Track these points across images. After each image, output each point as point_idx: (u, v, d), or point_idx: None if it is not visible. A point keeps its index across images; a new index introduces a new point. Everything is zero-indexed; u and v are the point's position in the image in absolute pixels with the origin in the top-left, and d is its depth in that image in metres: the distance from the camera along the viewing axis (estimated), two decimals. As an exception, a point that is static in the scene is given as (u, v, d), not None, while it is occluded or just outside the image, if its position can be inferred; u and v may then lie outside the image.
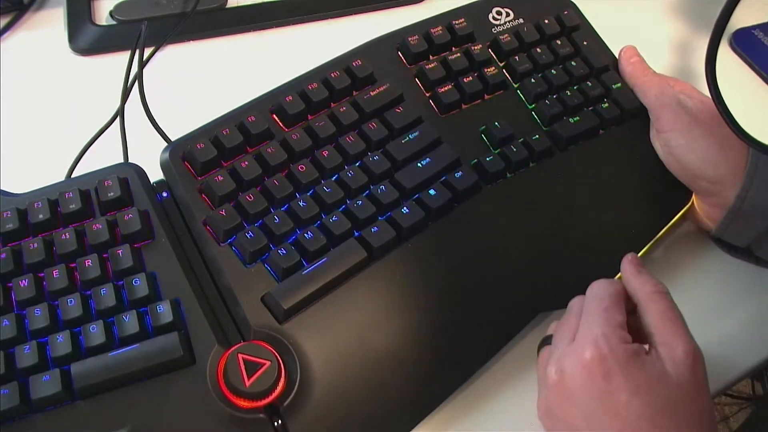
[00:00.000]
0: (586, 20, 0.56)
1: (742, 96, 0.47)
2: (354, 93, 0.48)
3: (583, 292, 0.42)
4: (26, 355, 0.37)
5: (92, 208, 0.43)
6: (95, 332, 0.38)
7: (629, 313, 0.40)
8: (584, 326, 0.39)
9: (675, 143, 0.48)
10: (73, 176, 0.50)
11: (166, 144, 0.46)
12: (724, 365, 0.46)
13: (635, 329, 0.39)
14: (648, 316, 0.39)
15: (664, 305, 0.39)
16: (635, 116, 0.52)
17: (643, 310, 0.39)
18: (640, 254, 0.47)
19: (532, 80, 0.51)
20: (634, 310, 0.40)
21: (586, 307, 0.40)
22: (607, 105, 0.51)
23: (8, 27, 0.60)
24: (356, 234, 0.44)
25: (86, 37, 0.60)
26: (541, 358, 0.41)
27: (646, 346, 0.38)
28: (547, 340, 0.42)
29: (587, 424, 0.36)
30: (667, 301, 0.39)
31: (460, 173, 0.46)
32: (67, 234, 0.41)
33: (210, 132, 0.45)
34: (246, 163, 0.44)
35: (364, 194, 0.45)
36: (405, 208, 0.44)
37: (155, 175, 0.45)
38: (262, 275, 0.42)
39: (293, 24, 0.63)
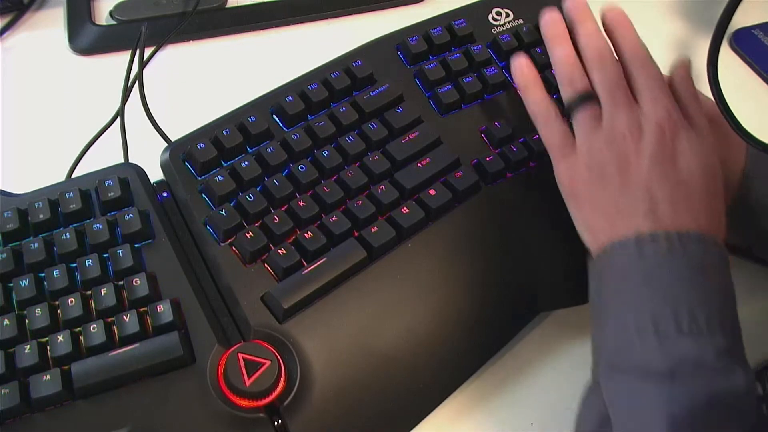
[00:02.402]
0: (586, 20, 0.55)
1: (742, 96, 0.47)
2: (354, 93, 0.48)
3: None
4: (26, 354, 0.37)
5: (92, 208, 0.43)
6: (95, 332, 0.38)
7: None
8: (651, 89, 0.42)
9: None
10: (73, 176, 0.50)
11: (166, 144, 0.46)
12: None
13: None
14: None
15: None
16: (635, 116, 0.52)
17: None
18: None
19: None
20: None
21: (637, 58, 0.44)
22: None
23: (8, 27, 0.61)
24: (356, 234, 0.44)
25: (86, 37, 0.60)
26: (582, 115, 0.43)
27: None
28: (577, 101, 0.43)
29: (648, 172, 0.40)
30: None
31: (460, 173, 0.46)
32: (67, 234, 0.41)
33: (210, 132, 0.45)
34: (246, 163, 0.44)
35: (364, 194, 0.45)
36: (405, 208, 0.44)
37: (155, 175, 0.45)
38: (262, 275, 0.42)
39: (293, 24, 0.63)
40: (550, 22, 0.48)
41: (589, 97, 0.43)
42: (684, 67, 0.45)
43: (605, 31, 0.47)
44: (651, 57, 0.45)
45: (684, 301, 0.37)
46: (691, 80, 0.44)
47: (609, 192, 0.40)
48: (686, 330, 0.36)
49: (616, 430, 0.36)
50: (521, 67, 0.47)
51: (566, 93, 0.45)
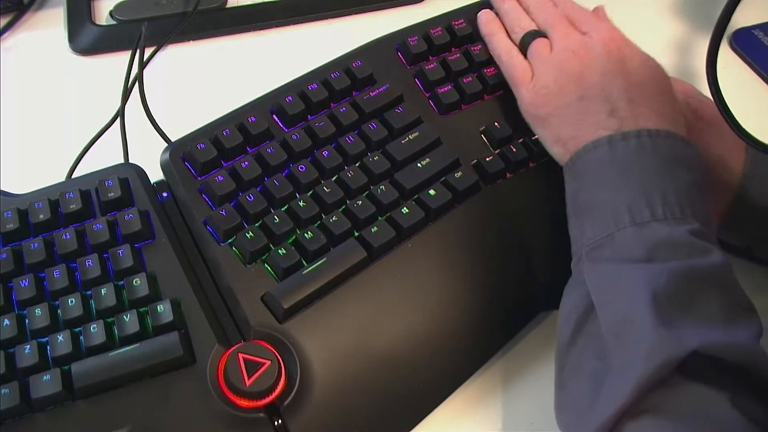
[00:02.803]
0: (586, 20, 0.56)
1: (742, 96, 0.47)
2: (354, 93, 0.48)
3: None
4: (26, 354, 0.37)
5: (93, 209, 0.43)
6: (95, 332, 0.38)
7: None
8: (588, 18, 0.48)
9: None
10: (73, 176, 0.50)
11: (166, 144, 0.46)
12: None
13: None
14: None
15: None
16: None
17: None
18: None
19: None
20: None
21: (572, 6, 0.50)
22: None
23: (8, 27, 0.61)
24: (356, 234, 0.44)
25: (86, 37, 0.60)
26: (536, 45, 0.47)
27: None
28: (528, 36, 0.48)
29: (600, 79, 0.43)
30: None
31: (459, 173, 0.46)
32: (67, 234, 0.41)
33: (210, 132, 0.45)
34: (246, 163, 0.44)
35: (364, 194, 0.45)
36: (405, 208, 0.44)
37: (156, 175, 0.45)
38: (262, 275, 0.42)
39: (293, 24, 0.63)
40: None
41: (537, 32, 0.49)
42: (599, 8, 0.50)
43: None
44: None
45: (657, 190, 0.39)
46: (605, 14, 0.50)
47: (570, 102, 0.44)
48: (660, 216, 0.38)
49: (600, 314, 0.37)
50: (486, 17, 0.52)
51: (517, 34, 0.50)
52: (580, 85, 0.44)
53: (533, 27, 0.49)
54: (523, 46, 0.49)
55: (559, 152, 0.44)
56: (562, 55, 0.45)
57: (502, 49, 0.50)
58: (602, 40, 0.45)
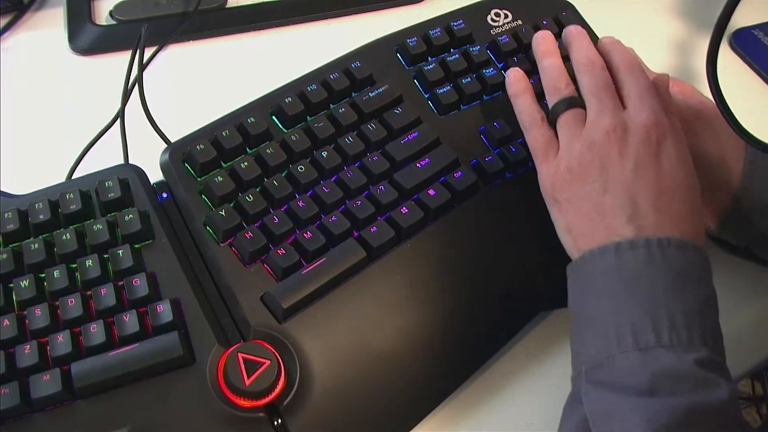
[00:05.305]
0: (585, 21, 0.56)
1: (742, 96, 0.47)
2: (353, 94, 0.48)
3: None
4: (26, 354, 0.37)
5: (93, 209, 0.43)
6: (95, 332, 0.38)
7: None
8: (637, 91, 0.42)
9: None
10: (73, 177, 0.50)
11: (166, 145, 0.46)
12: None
13: None
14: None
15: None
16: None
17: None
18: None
19: (531, 81, 0.51)
20: None
21: (627, 67, 0.43)
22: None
23: (8, 27, 0.61)
24: (355, 234, 0.44)
25: (86, 37, 0.60)
26: (566, 117, 0.43)
27: None
28: (561, 105, 0.43)
29: (632, 176, 0.39)
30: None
31: (459, 173, 0.46)
32: (67, 234, 0.41)
33: (210, 133, 0.45)
34: (245, 163, 0.44)
35: (364, 194, 0.45)
36: (404, 208, 0.44)
37: (155, 176, 0.46)
38: (262, 275, 0.42)
39: (293, 24, 0.63)
40: (540, 37, 0.48)
41: (573, 100, 0.43)
42: (662, 79, 0.45)
43: (600, 53, 0.46)
44: (643, 66, 0.45)
45: (664, 311, 0.36)
46: (668, 88, 0.45)
47: (591, 194, 0.40)
48: (666, 342, 0.35)
49: None
50: (513, 76, 0.48)
51: (551, 99, 0.45)
52: (605, 177, 0.39)
53: (571, 91, 0.44)
54: (554, 114, 0.44)
55: (568, 243, 0.41)
56: (594, 135, 0.41)
57: (526, 114, 0.45)
58: (643, 126, 0.40)
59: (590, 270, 0.39)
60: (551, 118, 0.44)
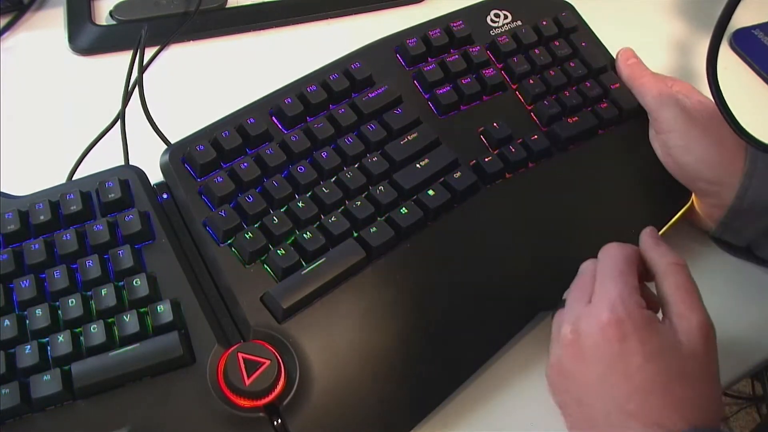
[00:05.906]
0: (584, 22, 0.56)
1: (742, 96, 0.47)
2: (353, 95, 0.48)
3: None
4: (27, 354, 0.37)
5: (93, 210, 0.43)
6: (96, 332, 0.38)
7: (639, 281, 0.40)
8: (600, 288, 0.39)
9: (673, 144, 0.48)
10: (74, 178, 0.50)
11: (166, 146, 0.46)
12: (725, 365, 0.46)
13: (645, 296, 0.39)
14: (665, 286, 0.39)
15: (682, 278, 0.39)
16: (634, 116, 0.52)
17: (661, 280, 0.39)
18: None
19: (531, 81, 0.51)
20: (642, 278, 0.40)
21: (602, 268, 0.40)
22: (606, 105, 0.52)
23: (8, 27, 0.61)
24: (355, 234, 0.44)
25: (86, 37, 0.60)
26: (556, 319, 0.41)
27: (659, 315, 0.39)
28: (561, 303, 0.42)
29: (598, 385, 0.37)
30: (685, 274, 0.39)
31: (458, 174, 0.46)
32: (68, 235, 0.41)
33: (209, 134, 0.45)
34: (245, 164, 0.44)
35: (363, 195, 0.45)
36: (404, 208, 0.44)
37: (156, 177, 0.46)
38: (262, 275, 0.42)
39: (293, 24, 0.63)
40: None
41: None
42: (650, 234, 0.42)
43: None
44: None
45: None
46: (656, 244, 0.41)
47: (568, 402, 0.39)
48: None
49: None
50: None
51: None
52: (575, 385, 0.38)
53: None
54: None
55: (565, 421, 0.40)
56: (564, 338, 0.38)
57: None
58: (599, 323, 0.37)
59: None
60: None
